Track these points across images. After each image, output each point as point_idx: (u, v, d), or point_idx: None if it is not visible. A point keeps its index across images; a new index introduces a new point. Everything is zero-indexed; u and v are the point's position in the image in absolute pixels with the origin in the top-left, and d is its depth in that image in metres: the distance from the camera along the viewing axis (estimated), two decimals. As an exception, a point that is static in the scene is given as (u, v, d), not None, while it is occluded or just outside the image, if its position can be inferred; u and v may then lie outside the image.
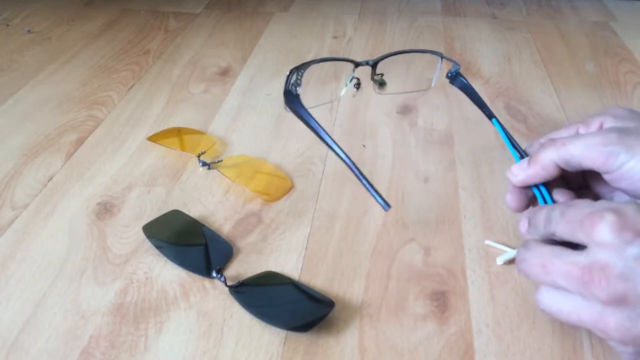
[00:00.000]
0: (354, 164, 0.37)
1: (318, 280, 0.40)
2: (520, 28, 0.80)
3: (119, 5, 0.91)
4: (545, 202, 0.35)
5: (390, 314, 0.37)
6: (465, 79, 0.44)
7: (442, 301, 0.38)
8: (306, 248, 0.42)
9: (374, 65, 0.47)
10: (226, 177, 0.49)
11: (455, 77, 0.44)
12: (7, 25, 0.84)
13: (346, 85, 0.46)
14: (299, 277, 0.40)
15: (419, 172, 0.50)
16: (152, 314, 0.37)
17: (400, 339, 0.35)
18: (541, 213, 0.32)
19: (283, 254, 0.42)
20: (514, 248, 0.41)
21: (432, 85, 0.50)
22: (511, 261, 0.40)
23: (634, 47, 0.74)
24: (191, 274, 0.40)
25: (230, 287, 0.38)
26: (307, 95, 0.63)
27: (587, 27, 0.80)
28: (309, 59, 0.72)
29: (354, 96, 0.48)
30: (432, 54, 0.50)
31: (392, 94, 0.49)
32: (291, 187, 0.48)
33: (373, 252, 0.42)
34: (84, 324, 0.37)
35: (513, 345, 0.35)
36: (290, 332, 0.36)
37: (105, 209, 0.46)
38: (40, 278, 0.40)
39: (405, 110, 0.60)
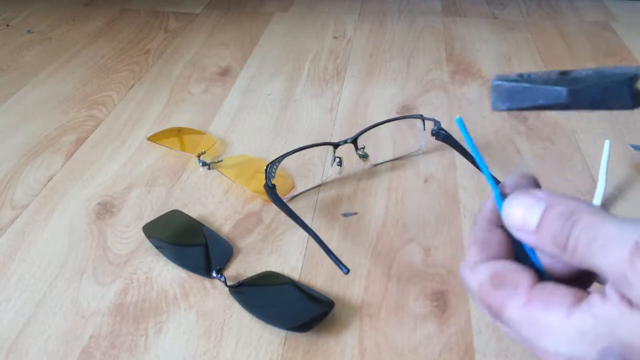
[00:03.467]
0: (317, 236, 0.39)
1: (318, 280, 0.40)
2: (520, 28, 0.80)
3: (119, 5, 0.91)
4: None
5: (390, 314, 0.37)
6: (446, 131, 0.49)
7: (442, 301, 0.38)
8: (306, 248, 0.42)
9: (354, 142, 0.48)
10: (226, 177, 0.49)
11: (438, 133, 0.49)
12: (7, 25, 0.84)
13: (331, 165, 0.48)
14: (299, 277, 0.40)
15: (419, 172, 0.50)
16: (152, 314, 0.37)
17: (400, 339, 0.35)
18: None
19: (283, 254, 0.42)
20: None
21: (422, 146, 0.52)
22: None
23: (634, 47, 0.74)
24: (191, 274, 0.40)
25: (230, 287, 0.38)
26: (307, 95, 0.63)
27: (587, 27, 0.80)
28: (309, 59, 0.72)
29: (339, 173, 0.49)
30: (412, 117, 0.51)
31: (383, 162, 0.51)
32: (292, 187, 0.48)
33: (373, 252, 0.42)
34: (84, 324, 0.37)
35: (513, 345, 0.35)
36: (290, 332, 0.36)
37: (105, 209, 0.46)
38: (40, 278, 0.40)
39: (406, 110, 0.60)
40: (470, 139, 0.25)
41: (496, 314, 0.23)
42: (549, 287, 0.22)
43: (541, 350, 0.21)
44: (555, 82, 0.23)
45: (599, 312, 0.20)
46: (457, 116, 0.25)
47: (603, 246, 0.20)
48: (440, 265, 0.41)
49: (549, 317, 0.21)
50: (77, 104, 0.62)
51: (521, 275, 0.23)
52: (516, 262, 0.24)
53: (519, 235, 0.23)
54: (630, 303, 0.19)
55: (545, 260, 0.24)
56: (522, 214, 0.22)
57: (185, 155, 0.53)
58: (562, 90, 0.22)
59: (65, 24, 0.84)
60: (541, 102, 0.23)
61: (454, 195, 0.47)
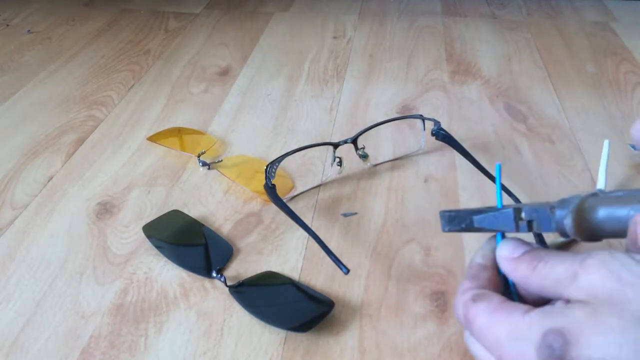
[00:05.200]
0: (317, 236, 0.39)
1: (318, 280, 0.40)
2: (520, 28, 0.80)
3: (119, 5, 0.91)
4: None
5: (390, 314, 0.37)
6: (446, 131, 0.49)
7: (442, 301, 0.38)
8: (306, 248, 0.42)
9: (354, 142, 0.48)
10: (226, 177, 0.49)
11: (438, 133, 0.49)
12: (7, 25, 0.84)
13: (331, 165, 0.48)
14: (299, 277, 0.40)
15: (419, 172, 0.50)
16: (152, 314, 0.37)
17: (400, 339, 0.35)
18: (459, 312, 0.30)
19: (283, 254, 0.42)
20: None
21: (422, 146, 0.52)
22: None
23: (634, 47, 0.74)
24: (191, 274, 0.40)
25: (230, 287, 0.38)
26: (307, 95, 0.63)
27: (587, 27, 0.80)
28: (309, 59, 0.72)
29: (339, 173, 0.49)
30: (412, 117, 0.51)
31: (383, 162, 0.51)
32: (292, 187, 0.48)
33: (373, 252, 0.42)
34: (84, 324, 0.37)
35: (513, 345, 0.35)
36: (290, 332, 0.36)
37: (105, 209, 0.46)
38: (40, 278, 0.40)
39: (406, 110, 0.60)
40: (499, 185, 0.33)
41: (470, 323, 0.28)
42: (514, 303, 0.28)
43: (499, 350, 0.26)
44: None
45: (546, 309, 0.26)
46: (498, 163, 0.33)
47: (562, 261, 0.27)
48: (440, 265, 0.41)
49: (508, 320, 0.27)
50: (77, 104, 0.62)
51: (496, 296, 0.29)
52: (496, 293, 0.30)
53: (503, 263, 0.30)
54: (568, 301, 0.26)
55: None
56: (512, 248, 0.30)
57: (185, 155, 0.53)
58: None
59: (65, 24, 0.84)
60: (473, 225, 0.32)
61: (454, 195, 0.47)
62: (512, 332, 0.26)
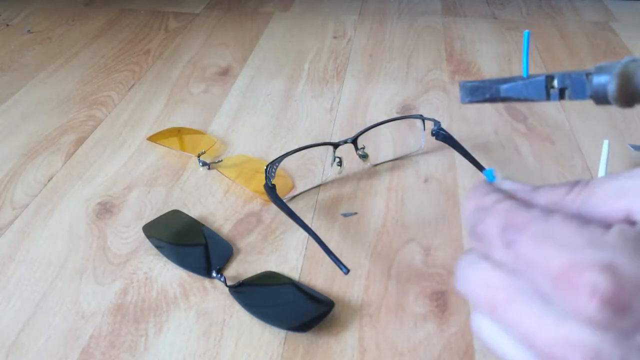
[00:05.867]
0: (317, 236, 0.39)
1: (318, 280, 0.40)
2: (520, 28, 0.80)
3: (119, 5, 0.91)
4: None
5: (390, 314, 0.37)
6: (446, 131, 0.49)
7: (442, 301, 0.38)
8: (306, 248, 0.42)
9: (354, 142, 0.48)
10: (226, 177, 0.49)
11: (438, 133, 0.49)
12: (7, 25, 0.84)
13: (331, 165, 0.48)
14: (299, 277, 0.40)
15: (419, 172, 0.50)
16: (152, 314, 0.37)
17: (400, 339, 0.35)
18: (494, 221, 0.21)
19: (283, 254, 0.42)
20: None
21: (422, 145, 0.52)
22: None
23: (634, 47, 0.74)
24: (191, 274, 0.40)
25: (230, 287, 0.38)
26: (307, 95, 0.63)
27: (587, 27, 0.80)
28: (309, 59, 0.72)
29: (339, 173, 0.49)
30: (412, 117, 0.51)
31: (383, 162, 0.51)
32: (292, 187, 0.48)
33: (373, 252, 0.42)
34: (84, 324, 0.37)
35: (513, 345, 0.35)
36: (290, 332, 0.36)
37: (105, 209, 0.46)
38: (40, 278, 0.40)
39: (406, 110, 0.60)
40: (527, 53, 0.30)
41: (520, 230, 0.20)
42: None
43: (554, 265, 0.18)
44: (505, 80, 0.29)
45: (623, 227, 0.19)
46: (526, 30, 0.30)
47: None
48: (440, 265, 0.41)
49: (568, 229, 0.19)
50: (77, 104, 0.62)
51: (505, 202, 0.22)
52: None
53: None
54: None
55: None
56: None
57: (185, 155, 0.53)
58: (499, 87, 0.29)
59: (65, 24, 0.84)
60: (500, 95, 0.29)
61: (454, 195, 0.47)
62: (576, 244, 0.18)
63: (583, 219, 0.19)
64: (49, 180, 0.50)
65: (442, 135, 0.49)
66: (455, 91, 0.63)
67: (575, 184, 0.22)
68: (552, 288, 0.18)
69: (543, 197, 0.22)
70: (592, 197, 0.21)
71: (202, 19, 0.85)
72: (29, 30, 0.82)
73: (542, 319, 0.19)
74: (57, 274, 0.40)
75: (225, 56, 0.73)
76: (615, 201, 0.20)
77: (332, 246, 0.42)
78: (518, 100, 0.28)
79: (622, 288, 0.17)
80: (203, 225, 0.44)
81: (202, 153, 0.51)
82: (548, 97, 0.28)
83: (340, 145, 0.47)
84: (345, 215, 0.45)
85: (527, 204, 0.21)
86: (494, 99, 0.29)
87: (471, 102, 0.29)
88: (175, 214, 0.45)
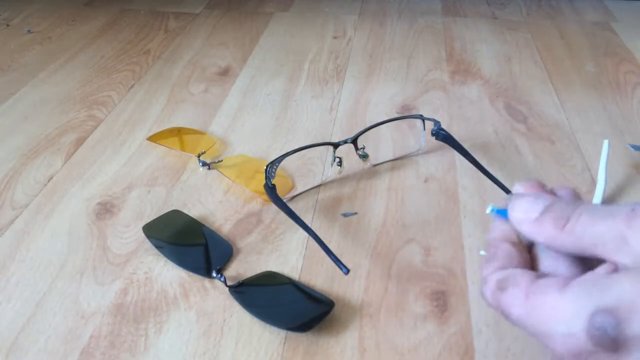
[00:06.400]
0: (317, 236, 0.39)
1: (318, 280, 0.40)
2: (520, 28, 0.80)
3: (119, 5, 0.91)
4: None
5: (390, 314, 0.37)
6: (446, 131, 0.49)
7: (442, 301, 0.38)
8: (306, 248, 0.42)
9: (354, 142, 0.48)
10: (226, 177, 0.49)
11: (438, 133, 0.49)
12: (7, 25, 0.84)
13: (331, 165, 0.48)
14: (299, 277, 0.40)
15: (419, 172, 0.50)
16: (152, 314, 0.37)
17: (400, 339, 0.35)
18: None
19: (283, 254, 0.42)
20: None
21: (422, 145, 0.52)
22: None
23: (634, 47, 0.74)
24: (191, 274, 0.40)
25: (230, 287, 0.38)
26: (307, 95, 0.63)
27: (587, 27, 0.80)
28: (309, 59, 0.72)
29: (339, 173, 0.49)
30: (412, 117, 0.51)
31: (383, 162, 0.51)
32: (292, 187, 0.48)
33: (373, 252, 0.42)
34: (84, 324, 0.37)
35: (513, 345, 0.35)
36: (290, 332, 0.36)
37: (105, 209, 0.46)
38: (40, 278, 0.40)
39: (406, 110, 0.60)
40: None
41: (507, 316, 0.24)
42: (544, 279, 0.24)
43: (547, 337, 0.23)
44: None
45: (587, 280, 0.22)
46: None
47: (602, 218, 0.23)
48: (440, 265, 0.41)
49: (545, 301, 0.23)
50: (77, 104, 0.62)
51: (522, 276, 0.24)
52: (521, 268, 0.26)
53: (523, 227, 0.26)
54: (613, 267, 0.22)
55: (547, 263, 0.26)
56: (526, 206, 0.26)
57: (185, 155, 0.53)
58: None
59: (65, 24, 0.84)
60: None
61: (454, 195, 0.47)
62: (554, 316, 0.22)
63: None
64: (49, 180, 0.50)
65: (442, 135, 0.49)
66: (455, 91, 0.63)
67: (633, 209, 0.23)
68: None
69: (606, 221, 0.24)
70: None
71: (202, 19, 0.85)
72: (29, 30, 0.82)
73: None
74: (57, 274, 0.40)
75: (225, 56, 0.73)
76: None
77: (332, 246, 0.42)
78: None
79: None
80: (203, 225, 0.44)
81: (202, 153, 0.51)
82: None
83: (340, 145, 0.47)
84: (345, 215, 0.45)
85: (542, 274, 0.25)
86: None
87: None
88: (175, 214, 0.45)
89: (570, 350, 0.22)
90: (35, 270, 0.41)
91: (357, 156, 0.50)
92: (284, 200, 0.43)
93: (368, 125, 0.50)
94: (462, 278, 0.39)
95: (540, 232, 0.25)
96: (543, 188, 0.28)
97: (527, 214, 0.25)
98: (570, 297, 0.22)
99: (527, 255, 0.27)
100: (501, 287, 0.25)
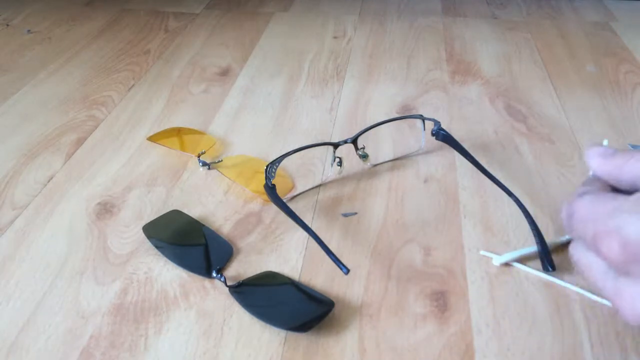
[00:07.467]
0: (317, 236, 0.39)
1: (318, 280, 0.40)
2: (520, 28, 0.80)
3: (119, 5, 0.91)
4: None
5: (390, 314, 0.37)
6: (446, 131, 0.49)
7: (442, 301, 0.38)
8: (306, 248, 0.42)
9: (354, 142, 0.48)
10: (226, 177, 0.49)
11: (438, 133, 0.49)
12: (7, 25, 0.84)
13: (331, 165, 0.48)
14: (299, 277, 0.40)
15: (419, 172, 0.50)
16: (152, 314, 0.37)
17: (400, 339, 0.35)
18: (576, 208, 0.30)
19: (283, 254, 0.42)
20: (511, 251, 0.41)
21: (422, 145, 0.52)
22: (508, 263, 0.40)
23: (634, 47, 0.74)
24: (191, 274, 0.40)
25: (230, 287, 0.38)
26: (307, 95, 0.63)
27: (587, 27, 0.80)
28: (309, 59, 0.72)
29: (339, 173, 0.49)
30: (412, 117, 0.51)
31: (383, 162, 0.51)
32: (292, 187, 0.48)
33: (373, 252, 0.42)
34: (84, 324, 0.37)
35: (513, 345, 0.35)
36: (290, 332, 0.36)
37: (105, 209, 0.46)
38: (40, 278, 0.40)
39: (406, 110, 0.60)
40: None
41: (573, 212, 0.29)
42: (619, 194, 0.29)
43: (598, 223, 0.27)
44: None
45: None
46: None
47: None
48: (440, 265, 0.41)
49: (612, 200, 0.27)
50: (77, 104, 0.62)
51: (603, 192, 0.30)
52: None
53: (595, 159, 0.31)
54: None
55: None
56: (604, 149, 0.32)
57: (185, 155, 0.53)
58: None
59: (65, 24, 0.84)
60: None
61: (454, 195, 0.47)
62: (615, 208, 0.27)
63: (615, 194, 0.29)
64: (49, 181, 0.50)
65: (442, 135, 0.49)
66: (455, 91, 0.63)
67: None
68: (592, 247, 0.28)
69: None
70: None
71: (202, 19, 0.85)
72: (29, 30, 0.82)
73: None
74: (57, 274, 0.40)
75: (225, 56, 0.73)
76: None
77: (332, 246, 0.42)
78: None
79: (625, 247, 0.25)
80: (203, 225, 0.44)
81: (202, 153, 0.51)
82: None
83: (340, 145, 0.47)
84: (345, 215, 0.45)
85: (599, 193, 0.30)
86: None
87: None
88: (175, 214, 0.45)
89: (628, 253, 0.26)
90: (35, 270, 0.41)
91: (357, 156, 0.50)
92: (284, 200, 0.43)
93: (368, 125, 0.50)
94: (462, 278, 0.39)
95: (608, 163, 0.31)
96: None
97: (602, 151, 0.31)
98: (634, 199, 0.26)
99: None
100: (582, 194, 0.30)
